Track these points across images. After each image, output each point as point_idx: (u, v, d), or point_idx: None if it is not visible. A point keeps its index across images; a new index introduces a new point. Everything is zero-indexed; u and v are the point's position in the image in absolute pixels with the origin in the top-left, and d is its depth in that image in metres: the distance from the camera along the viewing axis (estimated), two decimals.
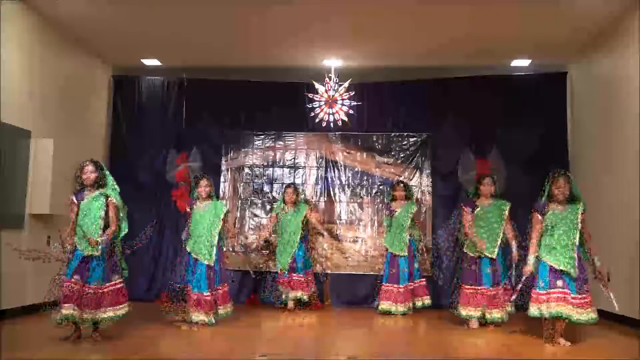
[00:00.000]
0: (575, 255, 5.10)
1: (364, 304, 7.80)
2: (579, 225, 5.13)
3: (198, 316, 5.87)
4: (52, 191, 6.53)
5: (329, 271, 8.00)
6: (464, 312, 6.04)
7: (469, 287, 6.08)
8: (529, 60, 7.98)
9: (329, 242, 7.90)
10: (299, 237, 7.23)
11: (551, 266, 5.15)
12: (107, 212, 5.10)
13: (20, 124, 6.34)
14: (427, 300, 7.19)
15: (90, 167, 5.11)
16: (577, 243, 5.12)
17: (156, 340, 5.23)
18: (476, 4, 6.22)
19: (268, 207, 8.21)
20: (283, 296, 7.29)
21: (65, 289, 4.88)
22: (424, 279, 7.29)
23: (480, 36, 7.14)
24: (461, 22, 6.74)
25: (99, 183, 5.14)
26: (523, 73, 8.27)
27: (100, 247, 4.95)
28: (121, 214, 5.24)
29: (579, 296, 5.08)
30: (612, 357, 4.98)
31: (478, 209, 6.17)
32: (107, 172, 5.31)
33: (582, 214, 5.17)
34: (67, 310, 4.83)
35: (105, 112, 8.52)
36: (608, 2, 6.14)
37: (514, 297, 5.47)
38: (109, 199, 5.11)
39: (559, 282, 5.10)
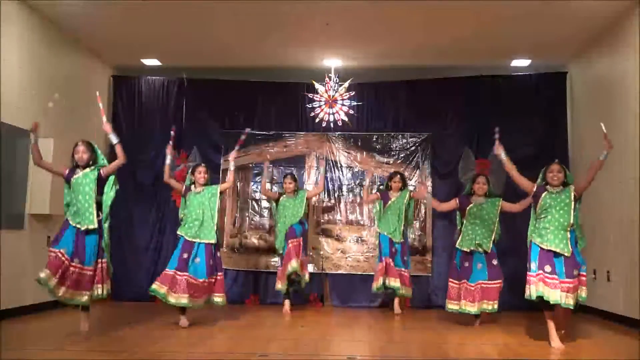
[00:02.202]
0: (568, 236, 5.11)
1: (364, 304, 7.80)
2: (572, 204, 5.14)
3: (192, 301, 5.82)
4: (52, 191, 6.54)
5: (329, 271, 8.01)
6: (450, 306, 6.29)
7: (455, 282, 6.28)
8: (529, 60, 7.99)
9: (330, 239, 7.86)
10: (297, 219, 7.12)
11: (541, 248, 5.15)
12: (100, 184, 5.20)
13: (20, 124, 6.34)
14: (409, 292, 7.07)
15: (82, 147, 5.22)
16: (571, 223, 5.13)
17: (156, 340, 5.23)
18: (476, 4, 6.23)
19: (268, 206, 8.20)
20: (279, 286, 7.09)
21: (54, 260, 4.93)
22: (407, 270, 7.09)
23: (480, 36, 7.14)
24: (461, 22, 6.74)
25: (91, 163, 5.26)
26: (523, 73, 8.28)
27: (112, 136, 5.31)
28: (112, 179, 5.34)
29: (568, 280, 5.03)
30: (612, 357, 4.98)
31: (472, 204, 6.26)
32: (100, 152, 5.40)
33: (573, 190, 5.19)
34: (51, 281, 4.87)
35: (106, 112, 8.49)
36: (608, 2, 6.15)
37: None
38: (99, 168, 5.24)
39: (547, 268, 5.10)
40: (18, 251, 6.30)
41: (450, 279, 6.35)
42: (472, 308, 6.13)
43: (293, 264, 6.95)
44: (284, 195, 7.23)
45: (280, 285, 7.07)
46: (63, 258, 4.95)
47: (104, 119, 5.56)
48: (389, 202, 7.13)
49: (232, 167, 6.32)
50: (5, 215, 6.09)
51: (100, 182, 5.24)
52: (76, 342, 5.00)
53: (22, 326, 5.81)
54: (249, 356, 4.70)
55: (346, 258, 8.07)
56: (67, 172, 5.23)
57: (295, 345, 5.32)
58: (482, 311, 6.16)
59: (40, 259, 6.48)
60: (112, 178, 5.35)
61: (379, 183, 8.17)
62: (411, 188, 7.96)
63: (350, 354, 4.83)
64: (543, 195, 5.24)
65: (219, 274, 6.09)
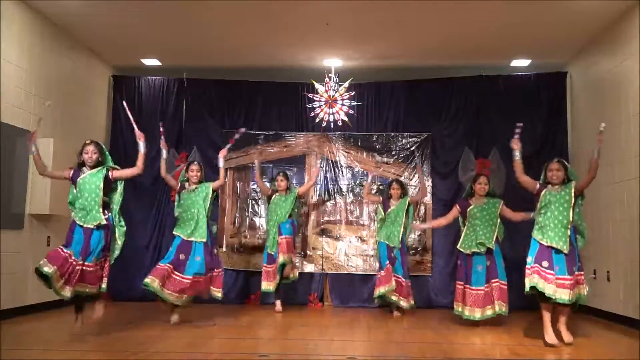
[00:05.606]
0: (568, 233, 5.11)
1: (364, 304, 7.80)
2: (572, 201, 5.13)
3: (182, 298, 5.90)
4: (52, 191, 6.53)
5: (329, 271, 8.01)
6: (458, 308, 6.26)
7: (460, 284, 6.27)
8: (529, 60, 7.99)
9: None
10: (285, 218, 7.14)
11: (541, 244, 5.15)
12: (107, 184, 5.16)
13: (20, 124, 6.34)
14: (410, 303, 7.02)
15: (92, 147, 5.17)
16: (571, 220, 5.12)
17: (156, 340, 5.23)
18: (476, 4, 6.23)
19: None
20: (271, 287, 7.11)
21: (59, 255, 4.85)
22: (407, 281, 7.07)
23: (480, 36, 7.14)
24: (461, 22, 6.74)
25: (99, 164, 5.21)
26: (523, 73, 8.28)
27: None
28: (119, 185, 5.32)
29: (567, 277, 5.01)
30: (612, 357, 4.98)
31: (472, 206, 6.25)
32: (107, 154, 5.36)
33: (574, 187, 5.17)
34: (50, 269, 4.76)
35: (105, 112, 8.52)
36: (608, 2, 6.15)
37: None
38: (109, 169, 5.20)
39: (545, 263, 5.09)
40: (18, 251, 6.29)
41: (457, 281, 6.34)
42: (476, 314, 6.08)
43: (280, 259, 6.99)
44: (277, 194, 7.24)
45: (270, 287, 7.07)
46: (71, 259, 4.90)
47: (136, 127, 5.48)
48: (389, 210, 7.14)
49: (221, 164, 6.27)
50: (5, 215, 6.08)
51: (107, 182, 5.19)
52: (76, 342, 5.01)
53: (22, 326, 5.80)
54: (249, 356, 4.71)
55: (346, 258, 8.07)
56: (72, 173, 5.20)
57: (296, 345, 5.32)
58: (486, 318, 6.07)
59: (40, 259, 6.51)
60: (121, 183, 5.33)
61: (379, 183, 8.18)
62: (412, 188, 7.98)
63: (350, 354, 4.83)
64: (544, 192, 5.26)
65: (217, 270, 6.17)
